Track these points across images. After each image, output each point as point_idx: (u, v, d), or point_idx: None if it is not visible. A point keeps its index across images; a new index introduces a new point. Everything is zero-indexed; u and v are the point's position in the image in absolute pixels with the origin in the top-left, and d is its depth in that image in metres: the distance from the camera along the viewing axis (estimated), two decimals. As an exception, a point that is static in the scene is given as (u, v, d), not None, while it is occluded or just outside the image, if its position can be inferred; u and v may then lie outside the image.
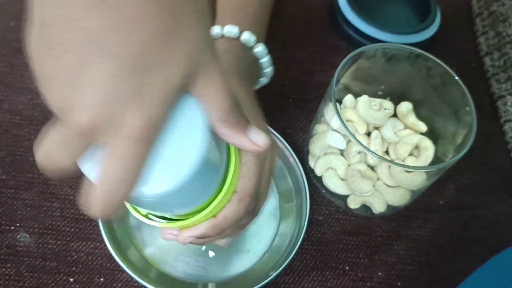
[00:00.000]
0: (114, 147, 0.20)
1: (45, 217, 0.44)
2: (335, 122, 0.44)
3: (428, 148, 0.47)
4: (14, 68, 0.53)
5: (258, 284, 0.41)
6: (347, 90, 0.51)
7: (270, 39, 0.47)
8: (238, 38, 0.44)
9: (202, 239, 0.32)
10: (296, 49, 0.59)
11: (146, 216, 0.31)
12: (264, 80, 0.49)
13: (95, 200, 0.21)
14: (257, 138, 0.27)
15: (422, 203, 0.50)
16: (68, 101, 0.20)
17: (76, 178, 0.46)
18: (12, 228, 0.44)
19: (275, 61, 0.47)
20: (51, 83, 0.20)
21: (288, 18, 0.46)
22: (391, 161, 0.43)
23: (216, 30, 0.44)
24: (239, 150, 0.30)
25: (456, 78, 0.45)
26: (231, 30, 0.43)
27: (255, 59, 0.46)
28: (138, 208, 0.31)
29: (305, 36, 0.61)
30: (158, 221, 0.31)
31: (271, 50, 0.46)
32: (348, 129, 0.41)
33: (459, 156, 0.41)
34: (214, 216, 0.30)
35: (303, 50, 0.60)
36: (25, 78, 0.52)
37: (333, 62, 0.47)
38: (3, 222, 0.44)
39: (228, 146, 0.29)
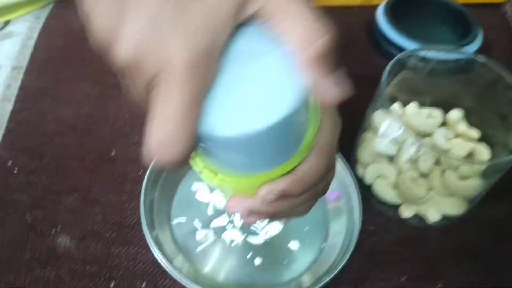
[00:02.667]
0: (162, 82, 0.18)
1: (87, 222, 0.43)
2: (387, 128, 0.43)
3: (483, 153, 0.45)
4: (60, 83, 0.53)
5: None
6: (393, 101, 0.50)
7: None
8: None
9: (276, 207, 0.27)
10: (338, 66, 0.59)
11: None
12: None
13: (149, 146, 0.19)
14: (340, 84, 0.22)
15: (479, 214, 0.47)
16: (112, 32, 0.19)
17: (119, 184, 0.45)
18: (53, 232, 0.42)
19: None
20: (98, 17, 0.19)
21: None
22: (455, 157, 0.41)
23: None
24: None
25: (509, 82, 0.44)
26: None
27: None
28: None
29: (346, 57, 0.61)
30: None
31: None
32: (409, 131, 0.40)
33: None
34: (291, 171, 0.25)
35: (345, 67, 0.59)
36: (70, 91, 0.52)
37: (376, 78, 0.46)
38: (44, 226, 0.42)
39: None
